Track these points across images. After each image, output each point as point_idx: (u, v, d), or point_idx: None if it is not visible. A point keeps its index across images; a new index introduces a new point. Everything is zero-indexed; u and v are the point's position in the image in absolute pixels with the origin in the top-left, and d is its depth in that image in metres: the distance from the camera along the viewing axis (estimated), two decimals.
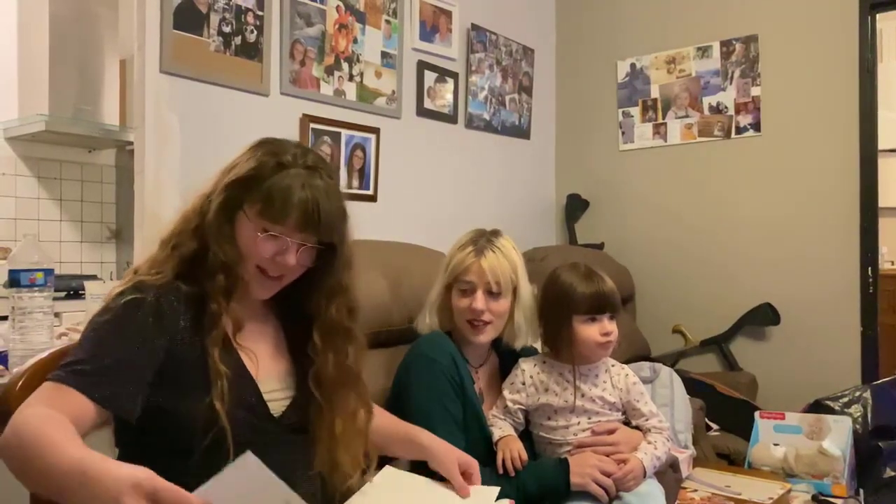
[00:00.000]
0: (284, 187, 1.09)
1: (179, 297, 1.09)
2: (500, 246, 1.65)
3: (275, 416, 1.15)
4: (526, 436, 1.63)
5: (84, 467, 0.80)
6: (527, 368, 1.65)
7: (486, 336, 1.63)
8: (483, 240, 1.66)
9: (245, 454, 0.78)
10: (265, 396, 1.13)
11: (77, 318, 2.17)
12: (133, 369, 1.02)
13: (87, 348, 1.02)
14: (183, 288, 1.10)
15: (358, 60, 2.61)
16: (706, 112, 3.25)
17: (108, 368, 1.00)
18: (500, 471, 1.49)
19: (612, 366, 1.64)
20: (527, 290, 1.68)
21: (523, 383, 1.63)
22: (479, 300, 1.60)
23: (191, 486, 1.03)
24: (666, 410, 2.15)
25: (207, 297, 1.09)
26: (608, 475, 1.48)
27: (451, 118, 3.04)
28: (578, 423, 1.57)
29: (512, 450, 1.51)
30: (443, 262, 1.72)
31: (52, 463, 0.83)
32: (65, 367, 0.99)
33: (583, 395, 1.58)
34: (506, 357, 1.74)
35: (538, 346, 1.75)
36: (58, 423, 0.90)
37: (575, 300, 1.57)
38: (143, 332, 1.04)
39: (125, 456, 1.09)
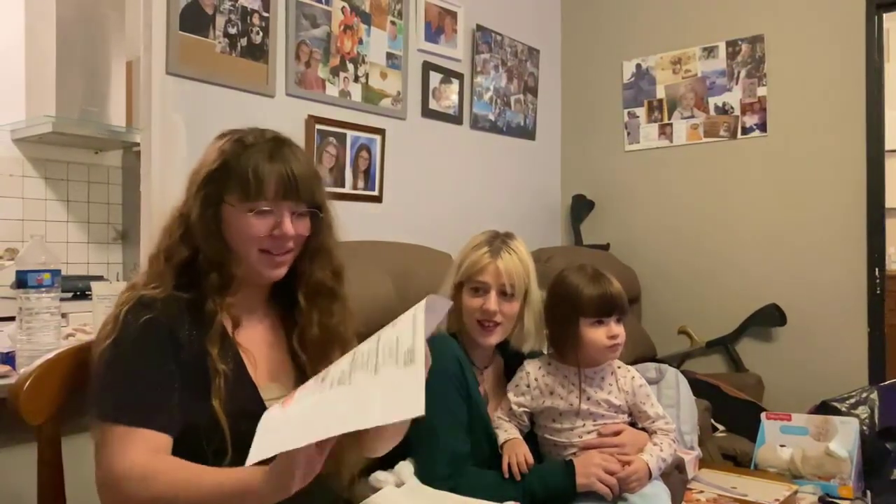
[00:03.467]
0: (254, 164, 1.11)
1: (181, 308, 1.09)
2: (514, 248, 1.64)
3: None
4: (531, 437, 1.63)
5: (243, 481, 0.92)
6: (531, 371, 1.64)
7: (494, 338, 1.63)
8: (498, 241, 1.65)
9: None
10: (268, 404, 1.12)
11: (84, 318, 2.18)
12: (171, 389, 1.04)
13: (122, 378, 1.04)
14: (183, 297, 1.10)
15: (363, 61, 2.62)
16: (712, 112, 3.24)
17: (152, 395, 1.02)
18: (506, 474, 1.49)
19: (619, 367, 1.63)
20: (537, 294, 1.68)
21: (528, 386, 1.62)
22: (492, 301, 1.59)
23: None
24: (672, 411, 2.14)
25: (203, 298, 1.10)
26: (612, 473, 1.47)
27: (456, 119, 3.04)
28: (584, 425, 1.57)
29: (518, 454, 1.51)
30: (454, 261, 1.72)
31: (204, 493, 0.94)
32: (119, 408, 1.01)
33: (588, 399, 1.57)
34: (510, 358, 1.73)
35: (546, 350, 1.74)
36: (168, 462, 0.99)
37: (582, 303, 1.55)
38: (166, 350, 1.05)
39: None
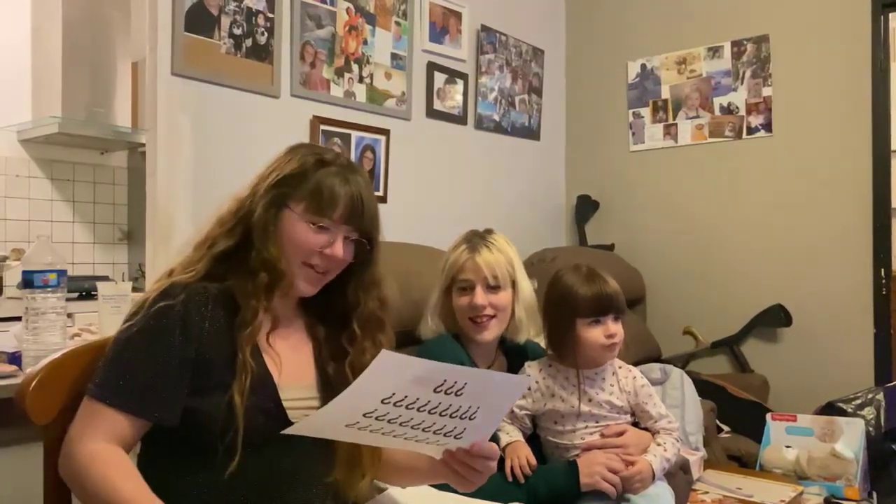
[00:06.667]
0: (330, 182, 1.14)
1: (207, 299, 1.10)
2: (493, 241, 1.67)
3: (294, 422, 1.14)
4: (534, 439, 1.63)
5: None
6: (533, 373, 1.63)
7: (490, 332, 1.63)
8: (476, 238, 1.68)
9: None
10: (286, 403, 1.12)
11: (89, 318, 2.18)
12: (166, 377, 1.04)
13: (119, 362, 1.05)
14: (211, 289, 1.11)
15: (368, 62, 2.62)
16: (717, 112, 3.24)
17: (139, 380, 1.03)
18: (510, 477, 1.49)
19: (620, 368, 1.62)
20: (526, 284, 1.69)
21: (529, 388, 1.61)
22: (479, 295, 1.61)
23: (208, 484, 1.03)
24: (677, 412, 2.14)
25: (244, 294, 1.10)
26: (616, 472, 1.47)
27: (460, 119, 3.04)
28: (586, 427, 1.56)
29: (520, 456, 1.51)
30: (438, 266, 1.73)
31: None
32: (99, 384, 1.03)
33: (589, 401, 1.57)
34: (513, 357, 1.74)
35: (540, 340, 1.74)
36: (116, 464, 0.99)
37: (577, 302, 1.55)
38: (172, 340, 1.05)
39: (147, 450, 1.11)
